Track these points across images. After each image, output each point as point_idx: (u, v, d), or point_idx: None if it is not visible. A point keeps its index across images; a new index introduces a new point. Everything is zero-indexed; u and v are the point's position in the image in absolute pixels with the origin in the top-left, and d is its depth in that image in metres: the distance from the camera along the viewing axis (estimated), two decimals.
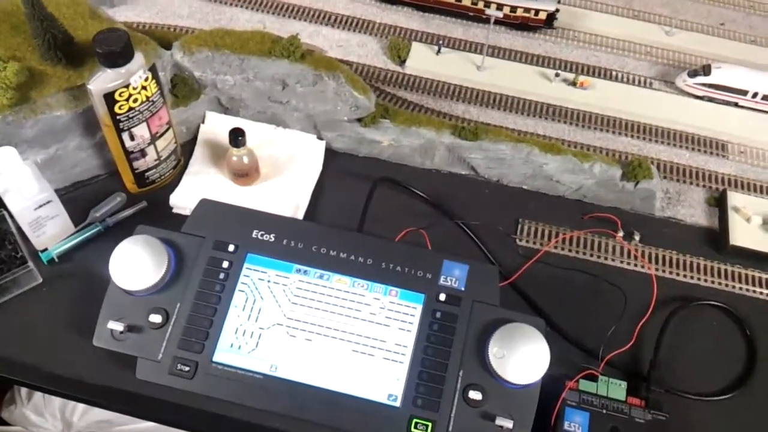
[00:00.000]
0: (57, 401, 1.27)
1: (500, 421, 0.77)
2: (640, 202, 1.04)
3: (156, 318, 0.81)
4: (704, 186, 1.10)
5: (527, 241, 1.01)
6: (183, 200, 0.98)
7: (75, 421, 1.27)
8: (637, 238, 1.01)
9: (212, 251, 0.86)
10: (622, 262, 1.00)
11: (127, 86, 0.85)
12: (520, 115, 1.16)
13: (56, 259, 0.92)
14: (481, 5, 1.24)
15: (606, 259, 1.00)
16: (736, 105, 1.19)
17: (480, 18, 1.27)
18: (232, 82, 1.01)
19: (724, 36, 1.32)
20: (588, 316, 0.93)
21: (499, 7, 1.23)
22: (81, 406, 1.27)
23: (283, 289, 0.84)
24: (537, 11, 1.24)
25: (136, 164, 0.95)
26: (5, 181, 0.85)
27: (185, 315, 0.82)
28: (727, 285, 0.99)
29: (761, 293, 0.99)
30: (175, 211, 0.98)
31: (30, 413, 1.27)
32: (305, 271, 0.85)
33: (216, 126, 1.05)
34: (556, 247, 1.01)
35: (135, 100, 0.87)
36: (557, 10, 1.26)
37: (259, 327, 0.82)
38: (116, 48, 0.83)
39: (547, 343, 0.79)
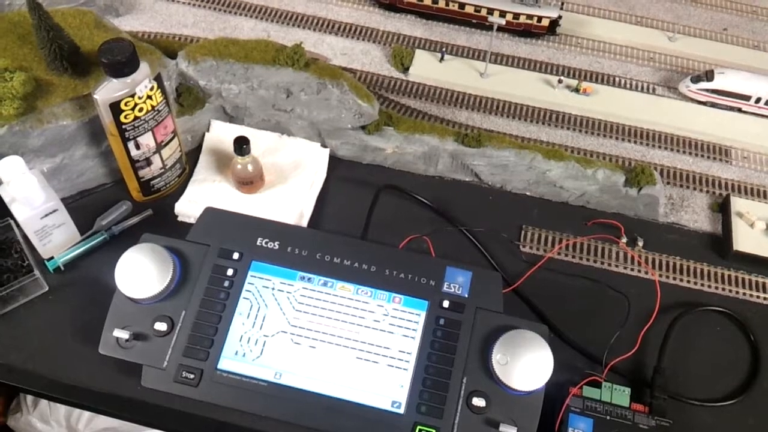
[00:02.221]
0: (62, 409, 1.28)
1: (504, 428, 0.77)
2: (644, 208, 1.04)
3: (161, 326, 0.82)
4: (707, 191, 1.10)
5: (531, 248, 1.01)
6: (188, 208, 0.98)
7: (80, 428, 1.27)
8: (640, 244, 1.02)
9: (217, 259, 0.86)
10: (625, 268, 1.00)
11: (132, 96, 0.86)
12: (523, 122, 1.17)
13: (62, 268, 0.92)
14: (484, 12, 1.25)
15: (609, 265, 1.00)
16: (739, 110, 1.19)
17: (483, 25, 1.28)
18: (236, 91, 1.02)
19: (727, 41, 1.32)
20: (591, 323, 0.93)
21: (502, 14, 1.24)
22: (86, 413, 1.28)
23: (288, 296, 0.85)
24: (540, 18, 1.25)
25: (141, 173, 0.96)
26: (12, 190, 0.85)
27: (190, 323, 0.83)
28: (730, 290, 0.99)
29: (765, 298, 0.99)
30: (180, 219, 0.99)
31: (36, 421, 1.28)
32: (309, 279, 0.86)
33: (221, 134, 1.06)
34: (559, 254, 1.01)
35: (140, 110, 0.88)
36: (560, 17, 1.26)
37: (263, 334, 0.83)
38: (121, 58, 0.83)
39: (551, 350, 0.79)
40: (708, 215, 1.07)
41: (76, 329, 0.88)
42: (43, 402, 1.28)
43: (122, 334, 0.81)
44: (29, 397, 1.29)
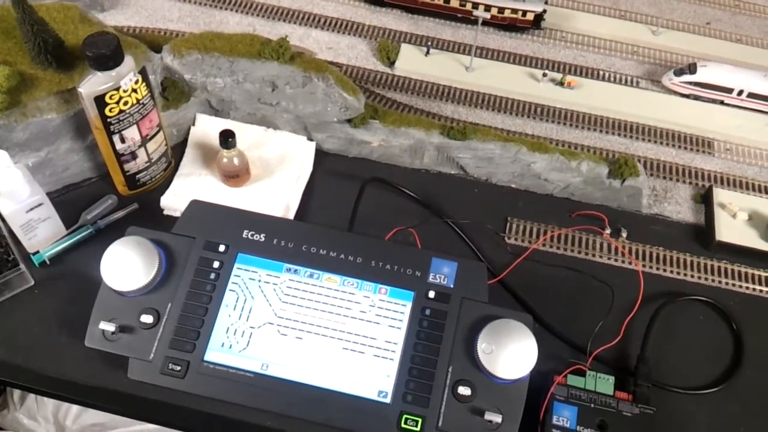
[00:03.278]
0: (50, 405, 1.27)
1: (489, 416, 0.78)
2: (627, 200, 1.05)
3: (147, 318, 0.82)
4: (690, 183, 1.11)
5: (516, 239, 1.02)
6: (174, 202, 0.98)
7: (68, 424, 1.27)
8: (624, 235, 1.03)
9: (203, 251, 0.86)
10: (609, 258, 1.01)
11: (117, 89, 0.86)
12: (508, 115, 1.17)
13: (48, 262, 0.92)
14: (469, 7, 1.26)
15: (594, 256, 1.01)
16: (721, 103, 1.20)
17: (468, 19, 1.28)
18: (222, 85, 1.02)
19: (710, 35, 1.33)
20: (576, 313, 0.94)
21: (487, 8, 1.24)
22: (74, 409, 1.28)
23: (274, 288, 0.85)
24: (524, 12, 1.26)
25: (126, 166, 0.96)
26: None
27: (176, 315, 0.83)
28: (713, 280, 1.00)
29: (747, 288, 1.00)
30: (166, 212, 0.99)
31: (23, 417, 1.27)
32: (295, 270, 0.86)
33: (206, 128, 1.06)
34: (544, 245, 1.02)
35: (125, 103, 0.88)
36: (544, 11, 1.27)
37: (250, 326, 0.83)
38: (106, 51, 0.83)
39: (536, 339, 0.80)
40: (691, 206, 1.08)
41: (62, 323, 0.88)
42: (30, 398, 1.28)
43: (108, 327, 0.81)
44: (16, 394, 1.28)
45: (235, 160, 0.98)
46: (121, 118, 0.89)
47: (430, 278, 0.86)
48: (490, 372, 0.79)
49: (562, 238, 1.03)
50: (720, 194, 1.07)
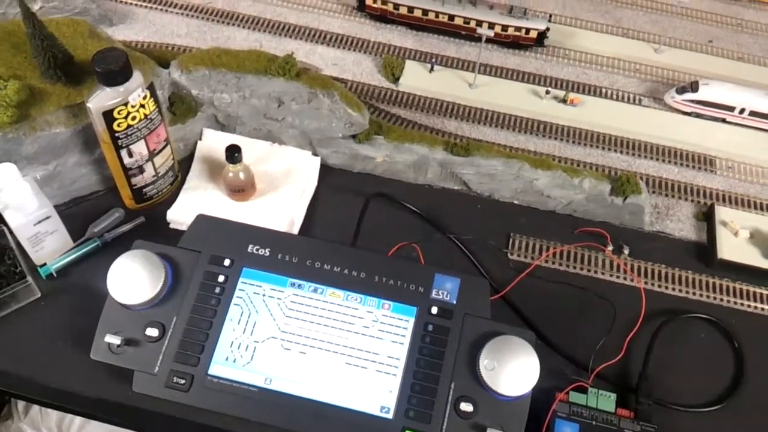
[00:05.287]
0: (54, 416, 1.28)
1: None
2: (629, 217, 1.06)
3: (152, 331, 0.83)
4: (692, 201, 1.12)
5: (518, 255, 1.03)
6: (180, 216, 0.99)
7: None
8: (626, 252, 1.03)
9: (208, 266, 0.87)
10: (611, 275, 1.02)
11: (125, 104, 0.87)
12: (511, 132, 1.18)
13: (54, 274, 0.93)
14: (473, 24, 1.27)
15: (596, 272, 1.02)
16: (723, 121, 1.21)
17: (472, 37, 1.30)
18: (228, 100, 1.03)
19: (712, 53, 1.34)
20: (578, 329, 0.95)
21: (491, 25, 1.26)
22: (78, 420, 1.28)
23: (278, 302, 0.86)
24: (528, 30, 1.27)
25: (134, 180, 0.97)
26: (5, 197, 0.86)
27: (181, 328, 0.84)
28: (715, 298, 1.01)
29: (749, 306, 1.00)
30: (172, 226, 1.00)
31: (27, 428, 1.28)
32: (300, 285, 0.87)
33: (213, 143, 1.07)
34: (546, 261, 1.02)
35: (133, 118, 0.89)
36: (548, 29, 1.28)
37: (254, 340, 0.84)
38: (115, 67, 0.85)
39: (538, 356, 0.80)
40: (693, 224, 1.09)
41: (68, 335, 0.89)
42: (35, 408, 1.28)
43: (114, 340, 0.81)
44: (20, 404, 1.29)
45: (241, 175, 0.99)
46: (129, 133, 0.90)
47: (433, 294, 0.87)
48: (492, 388, 0.79)
49: (565, 255, 1.03)
50: (722, 212, 1.07)
